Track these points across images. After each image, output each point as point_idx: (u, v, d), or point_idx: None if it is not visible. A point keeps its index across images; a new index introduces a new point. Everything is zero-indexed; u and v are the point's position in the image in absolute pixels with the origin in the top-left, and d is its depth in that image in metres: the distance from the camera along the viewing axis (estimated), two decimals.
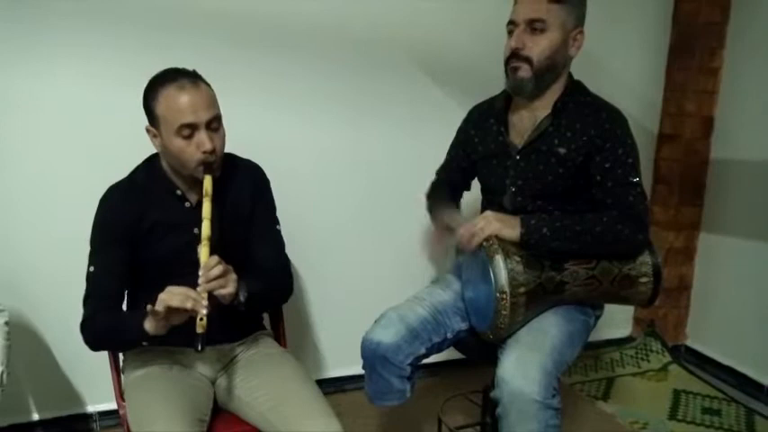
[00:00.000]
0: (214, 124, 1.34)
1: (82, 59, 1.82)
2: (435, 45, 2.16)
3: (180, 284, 1.22)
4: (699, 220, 2.59)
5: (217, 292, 1.24)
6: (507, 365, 1.34)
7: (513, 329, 1.42)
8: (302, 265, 2.18)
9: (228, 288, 1.25)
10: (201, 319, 1.19)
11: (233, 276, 1.28)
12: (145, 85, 1.36)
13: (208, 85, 1.36)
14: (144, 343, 1.30)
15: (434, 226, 1.63)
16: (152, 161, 1.46)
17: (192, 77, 1.33)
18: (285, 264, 1.55)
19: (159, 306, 1.19)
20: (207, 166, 1.33)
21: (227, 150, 1.42)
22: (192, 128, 1.30)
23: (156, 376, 1.38)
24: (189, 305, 1.18)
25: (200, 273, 1.23)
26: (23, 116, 1.81)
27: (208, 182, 1.33)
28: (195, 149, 1.31)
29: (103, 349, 1.45)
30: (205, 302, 1.20)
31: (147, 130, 1.38)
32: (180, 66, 1.37)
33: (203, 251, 1.26)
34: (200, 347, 1.18)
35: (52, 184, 1.86)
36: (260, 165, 1.57)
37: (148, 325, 1.24)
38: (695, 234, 2.60)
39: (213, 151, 1.32)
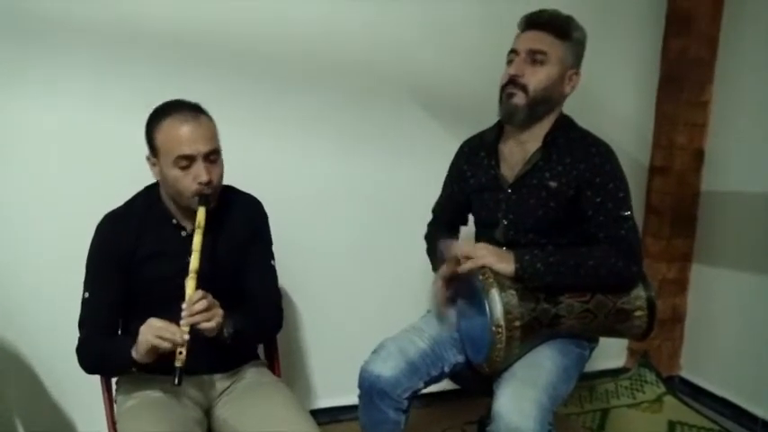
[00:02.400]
0: (212, 157, 1.35)
1: (82, 84, 1.83)
2: (431, 75, 2.19)
3: (171, 312, 1.24)
4: (691, 252, 2.60)
5: (201, 326, 1.25)
6: (503, 401, 1.34)
7: (508, 362, 1.42)
8: (296, 293, 2.18)
9: (211, 323, 1.26)
10: (181, 353, 1.21)
11: (219, 311, 1.29)
12: (144, 112, 1.38)
13: (210, 119, 1.38)
14: (133, 369, 1.32)
15: (434, 270, 1.62)
16: (151, 189, 1.47)
17: (195, 111, 1.35)
18: (276, 299, 1.55)
19: (141, 346, 1.23)
20: (202, 198, 1.34)
21: (226, 182, 1.43)
22: (190, 159, 1.32)
23: (148, 405, 1.37)
24: (165, 345, 1.21)
25: (183, 306, 1.24)
26: (20, 140, 1.81)
27: (201, 214, 1.33)
28: (191, 181, 1.33)
29: (96, 373, 1.47)
30: (186, 337, 1.22)
31: (147, 159, 1.40)
32: (179, 95, 1.39)
33: (189, 284, 1.27)
34: (177, 381, 1.20)
35: (47, 209, 1.86)
36: (256, 195, 1.58)
37: (135, 354, 1.26)
38: (687, 265, 2.61)
39: (209, 183, 1.34)
